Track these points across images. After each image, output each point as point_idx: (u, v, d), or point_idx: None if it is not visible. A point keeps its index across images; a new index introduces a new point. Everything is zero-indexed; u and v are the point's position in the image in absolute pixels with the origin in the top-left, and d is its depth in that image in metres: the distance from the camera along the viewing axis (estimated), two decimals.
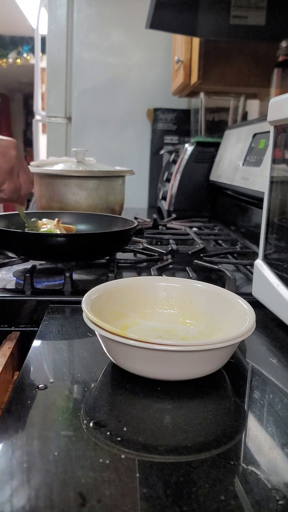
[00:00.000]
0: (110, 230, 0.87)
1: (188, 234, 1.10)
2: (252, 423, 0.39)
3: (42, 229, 0.84)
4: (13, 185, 0.72)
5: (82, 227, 0.95)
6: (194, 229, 1.23)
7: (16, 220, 0.89)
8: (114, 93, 2.08)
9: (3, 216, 0.89)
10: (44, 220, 0.88)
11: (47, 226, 0.85)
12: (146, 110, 2.08)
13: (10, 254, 0.78)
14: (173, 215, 1.45)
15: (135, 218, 1.28)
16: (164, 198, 1.58)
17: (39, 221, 0.87)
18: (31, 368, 0.47)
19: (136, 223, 0.86)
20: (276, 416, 0.40)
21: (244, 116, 1.61)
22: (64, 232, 0.85)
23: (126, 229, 0.81)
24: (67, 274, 0.70)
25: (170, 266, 0.86)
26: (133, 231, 0.82)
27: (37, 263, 0.79)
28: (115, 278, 0.73)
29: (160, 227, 1.24)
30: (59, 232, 0.83)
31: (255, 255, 0.80)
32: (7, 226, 0.87)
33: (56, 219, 0.88)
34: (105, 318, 0.49)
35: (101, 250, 0.80)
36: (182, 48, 1.63)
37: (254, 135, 1.10)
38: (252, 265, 0.72)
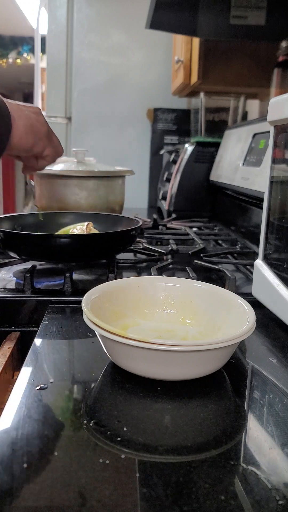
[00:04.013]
0: (115, 230, 0.87)
1: (188, 234, 1.10)
2: (252, 423, 0.39)
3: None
4: (53, 149, 0.71)
5: None
6: (194, 229, 1.22)
7: (22, 221, 0.89)
8: (114, 93, 2.08)
9: (9, 218, 0.89)
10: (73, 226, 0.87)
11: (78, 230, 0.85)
12: (146, 110, 2.08)
13: (13, 255, 0.78)
14: (173, 215, 1.45)
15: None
16: (164, 198, 1.58)
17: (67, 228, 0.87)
18: (31, 368, 0.47)
19: (140, 222, 0.85)
20: (276, 416, 0.40)
21: (244, 116, 1.61)
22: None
23: (131, 228, 0.81)
24: (67, 274, 0.70)
25: (170, 266, 0.86)
26: (138, 230, 0.82)
27: (37, 263, 0.79)
28: (115, 278, 0.73)
29: (160, 227, 1.24)
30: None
31: (255, 255, 0.80)
32: (13, 227, 0.87)
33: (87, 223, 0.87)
34: (105, 318, 0.50)
35: (106, 250, 0.79)
36: (182, 48, 1.63)
37: (254, 135, 1.10)
38: (252, 265, 0.72)
